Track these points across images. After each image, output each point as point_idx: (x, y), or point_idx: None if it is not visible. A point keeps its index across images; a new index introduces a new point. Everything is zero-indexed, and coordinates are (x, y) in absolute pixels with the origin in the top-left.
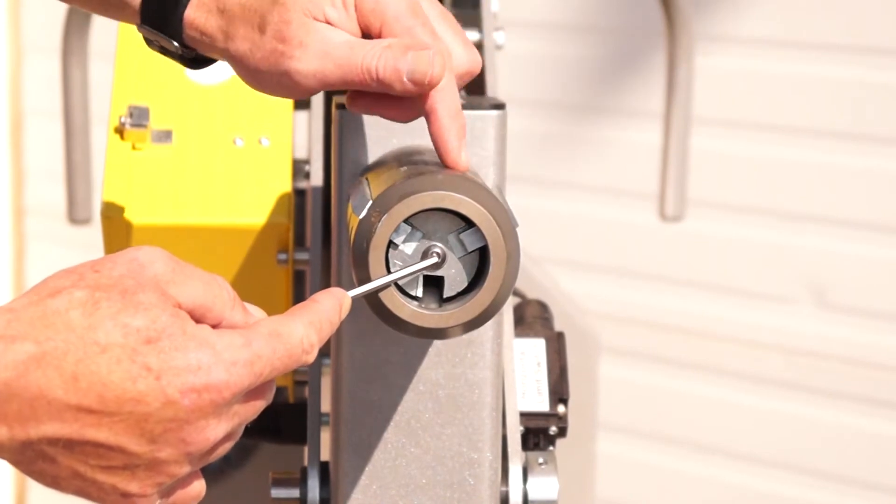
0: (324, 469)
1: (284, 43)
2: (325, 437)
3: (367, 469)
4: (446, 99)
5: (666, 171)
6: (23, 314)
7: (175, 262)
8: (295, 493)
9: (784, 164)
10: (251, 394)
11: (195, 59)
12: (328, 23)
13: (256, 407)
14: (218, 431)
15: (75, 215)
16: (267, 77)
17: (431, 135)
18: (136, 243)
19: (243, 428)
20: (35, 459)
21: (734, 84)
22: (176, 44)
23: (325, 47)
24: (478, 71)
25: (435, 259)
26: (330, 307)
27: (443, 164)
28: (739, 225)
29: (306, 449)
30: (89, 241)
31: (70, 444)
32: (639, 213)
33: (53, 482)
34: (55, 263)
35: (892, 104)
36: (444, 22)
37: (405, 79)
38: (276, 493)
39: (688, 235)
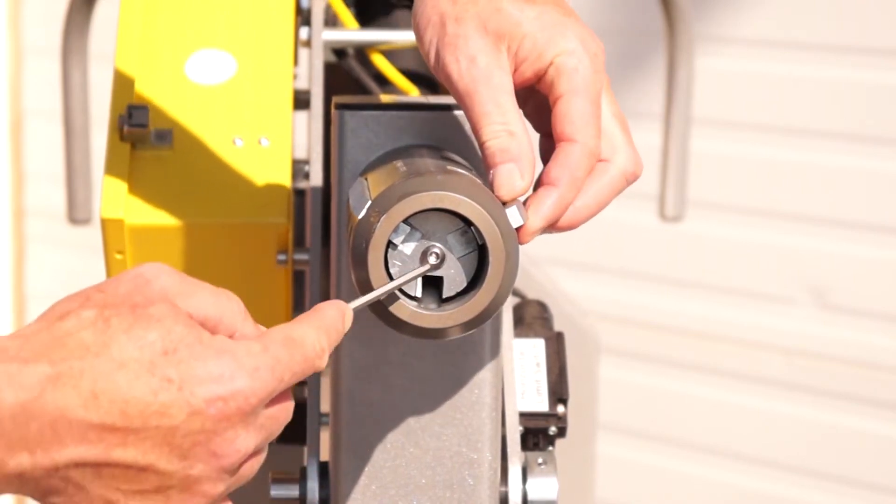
0: (323, 469)
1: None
2: (325, 437)
3: (366, 469)
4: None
5: (666, 172)
6: (34, 339)
7: (181, 276)
8: (294, 492)
9: (784, 165)
10: (273, 402)
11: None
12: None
13: (280, 420)
14: (248, 442)
15: (75, 216)
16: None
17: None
18: (135, 243)
19: (267, 445)
20: (64, 488)
21: (734, 84)
22: None
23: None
24: (639, 174)
25: (432, 262)
26: (334, 315)
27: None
28: (739, 226)
29: (306, 449)
30: (89, 241)
31: (98, 468)
32: (639, 213)
33: None
34: (55, 264)
35: (892, 104)
36: (614, 118)
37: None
38: (276, 492)
39: (688, 236)
